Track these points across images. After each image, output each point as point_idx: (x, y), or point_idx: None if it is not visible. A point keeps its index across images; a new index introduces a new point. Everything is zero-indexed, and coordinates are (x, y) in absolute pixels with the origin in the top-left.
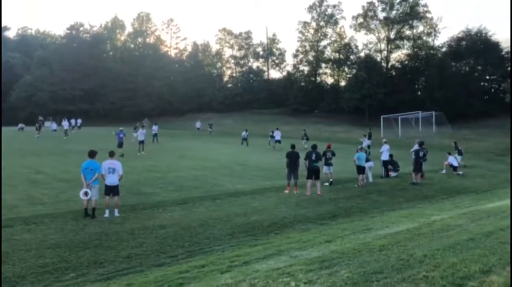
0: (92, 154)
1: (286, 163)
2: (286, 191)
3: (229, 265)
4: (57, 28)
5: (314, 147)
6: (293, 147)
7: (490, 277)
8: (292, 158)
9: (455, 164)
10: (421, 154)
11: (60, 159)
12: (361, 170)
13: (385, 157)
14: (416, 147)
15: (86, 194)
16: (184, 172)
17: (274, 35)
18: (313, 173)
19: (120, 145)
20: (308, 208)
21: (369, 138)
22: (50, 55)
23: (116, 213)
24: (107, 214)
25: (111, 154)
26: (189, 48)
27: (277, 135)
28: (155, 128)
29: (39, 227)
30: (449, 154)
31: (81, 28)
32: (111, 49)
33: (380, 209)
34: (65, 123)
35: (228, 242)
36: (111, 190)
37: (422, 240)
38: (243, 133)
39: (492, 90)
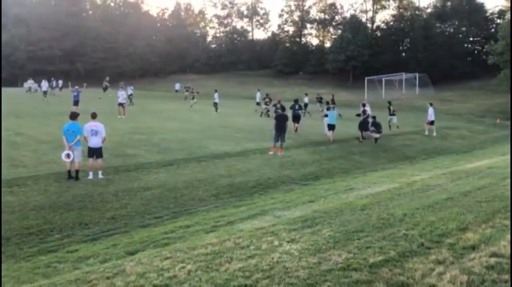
0: (73, 116)
1: (274, 125)
2: (271, 152)
3: (214, 225)
4: None
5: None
6: (282, 109)
7: (466, 234)
8: (281, 121)
9: (432, 118)
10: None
11: (40, 121)
12: (330, 127)
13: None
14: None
15: (68, 156)
16: (168, 134)
17: None
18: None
19: (76, 103)
20: (292, 169)
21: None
22: (27, 13)
23: (100, 175)
24: (90, 176)
25: (93, 116)
26: (171, 7)
27: (257, 97)
28: (129, 89)
29: (22, 189)
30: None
31: None
32: (90, 8)
33: (362, 169)
34: (44, 84)
35: (213, 203)
36: (94, 152)
37: (402, 200)
38: (215, 95)
39: (476, 52)
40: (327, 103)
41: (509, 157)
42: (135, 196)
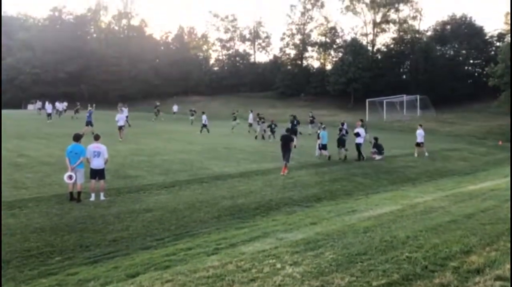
0: (76, 137)
1: (280, 145)
2: (282, 173)
3: (216, 248)
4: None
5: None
6: (287, 130)
7: (470, 257)
8: (285, 141)
9: (421, 140)
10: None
11: (43, 142)
12: (323, 146)
13: (359, 140)
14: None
15: (70, 177)
16: (170, 155)
17: (260, 18)
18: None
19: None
20: (294, 191)
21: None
22: (33, 37)
23: (102, 197)
24: (92, 198)
25: (96, 138)
26: (175, 31)
27: (249, 118)
28: (125, 111)
29: (23, 211)
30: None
31: (64, 10)
32: (95, 32)
33: (364, 191)
34: (48, 106)
35: (214, 225)
36: (97, 174)
37: (405, 222)
38: (203, 117)
39: (476, 74)
40: (321, 123)
41: (509, 179)
42: (137, 217)
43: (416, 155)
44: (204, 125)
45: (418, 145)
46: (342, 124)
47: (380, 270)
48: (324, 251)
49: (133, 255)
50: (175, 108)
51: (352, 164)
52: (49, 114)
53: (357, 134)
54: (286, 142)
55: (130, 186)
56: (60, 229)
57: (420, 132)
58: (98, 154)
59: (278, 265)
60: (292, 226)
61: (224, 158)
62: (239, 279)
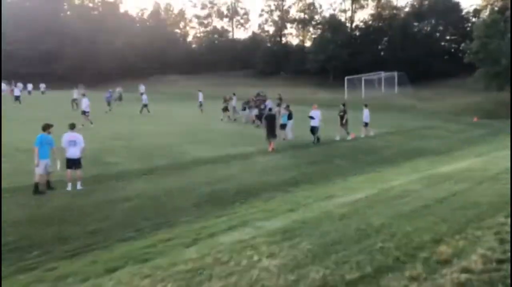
0: (45, 127)
1: (265, 125)
2: (270, 150)
3: (195, 238)
4: None
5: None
6: (270, 109)
7: (440, 247)
8: (269, 120)
9: (367, 120)
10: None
11: (17, 127)
12: (282, 126)
13: (313, 123)
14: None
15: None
16: (148, 139)
17: None
18: None
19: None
20: (273, 175)
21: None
22: (3, 14)
23: (79, 186)
24: (69, 187)
25: (72, 127)
26: (150, 7)
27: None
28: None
29: None
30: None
31: None
32: (68, 8)
33: (342, 173)
34: (16, 89)
35: (193, 213)
36: (73, 163)
37: (380, 207)
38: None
39: (452, 50)
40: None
41: (483, 158)
42: (116, 207)
43: (362, 135)
44: (145, 105)
45: (366, 125)
46: (264, 101)
47: (353, 262)
48: (300, 241)
49: (112, 247)
50: (141, 88)
51: (331, 145)
52: (17, 97)
53: (311, 117)
54: (272, 121)
55: (108, 173)
56: (38, 221)
57: (366, 112)
58: (74, 143)
59: (256, 257)
60: (270, 213)
61: (203, 141)
62: (217, 273)
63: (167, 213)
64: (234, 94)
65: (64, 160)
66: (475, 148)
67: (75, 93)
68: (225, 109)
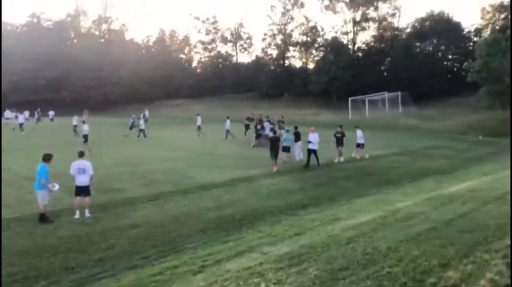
0: (44, 158)
1: (269, 147)
2: (274, 170)
3: (202, 265)
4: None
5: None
6: (274, 132)
7: (447, 272)
8: (273, 143)
9: (362, 141)
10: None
11: (24, 155)
12: (285, 148)
13: (310, 146)
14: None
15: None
16: (154, 164)
17: (241, 19)
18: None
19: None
20: (279, 198)
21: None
22: (11, 44)
23: (87, 213)
24: (77, 215)
25: (81, 154)
26: (156, 34)
27: (226, 125)
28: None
29: (6, 232)
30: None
31: (43, 16)
32: (75, 37)
33: (347, 195)
34: (21, 116)
35: (200, 239)
36: (82, 191)
37: (387, 230)
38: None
39: (455, 69)
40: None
41: (489, 177)
42: (123, 234)
43: (357, 156)
44: (141, 130)
45: (358, 145)
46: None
47: None
48: (307, 267)
49: (119, 276)
50: (146, 113)
51: (334, 167)
52: (21, 125)
53: (309, 142)
54: (275, 144)
55: (115, 200)
56: (44, 251)
57: (359, 133)
58: (83, 171)
59: (263, 285)
60: (277, 238)
61: (208, 165)
62: None
63: (173, 240)
64: (228, 117)
65: (72, 187)
66: (480, 166)
67: (75, 119)
68: (247, 127)
